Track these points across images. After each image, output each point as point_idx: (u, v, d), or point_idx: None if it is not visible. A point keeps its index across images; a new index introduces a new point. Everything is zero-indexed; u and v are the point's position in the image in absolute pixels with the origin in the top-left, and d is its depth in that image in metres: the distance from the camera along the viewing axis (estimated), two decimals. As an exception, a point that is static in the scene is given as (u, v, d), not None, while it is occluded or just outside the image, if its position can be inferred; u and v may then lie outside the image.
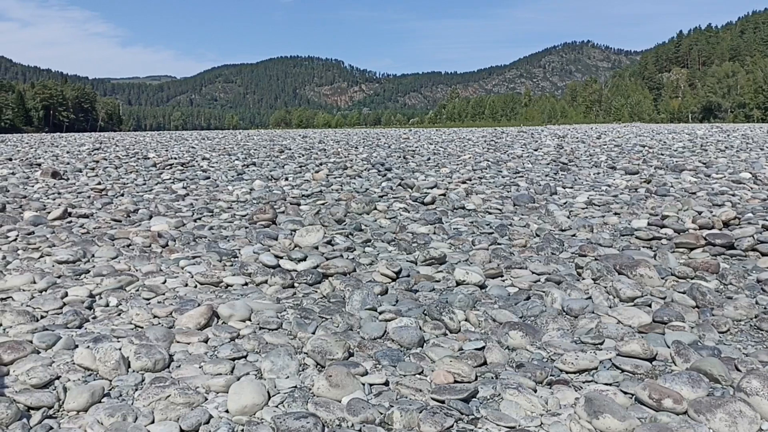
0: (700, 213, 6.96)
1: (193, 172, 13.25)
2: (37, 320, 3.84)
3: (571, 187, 10.14)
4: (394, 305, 4.14)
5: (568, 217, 7.40)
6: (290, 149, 21.23)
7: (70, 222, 7.34)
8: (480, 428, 2.56)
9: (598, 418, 2.48)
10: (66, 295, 4.32)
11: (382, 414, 2.62)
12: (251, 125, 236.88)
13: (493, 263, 5.31)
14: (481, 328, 3.80)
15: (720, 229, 6.18)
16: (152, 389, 2.77)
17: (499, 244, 6.16)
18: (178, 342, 3.49)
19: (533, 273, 4.98)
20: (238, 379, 2.93)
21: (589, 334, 3.58)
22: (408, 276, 4.92)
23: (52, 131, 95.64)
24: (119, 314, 4.03)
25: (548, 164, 14.06)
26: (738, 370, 3.01)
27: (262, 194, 9.45)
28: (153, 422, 2.57)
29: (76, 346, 3.33)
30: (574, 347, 3.37)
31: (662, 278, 4.70)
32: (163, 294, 4.47)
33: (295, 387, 2.88)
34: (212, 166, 14.56)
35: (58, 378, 2.93)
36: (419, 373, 3.07)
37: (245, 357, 3.27)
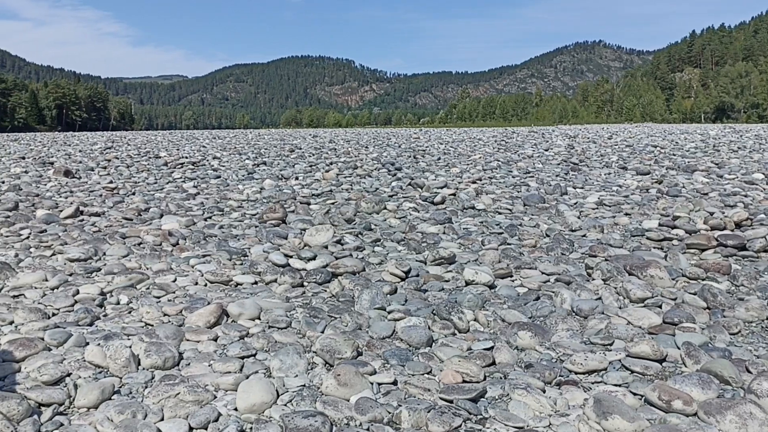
0: (711, 214, 6.91)
1: (203, 171, 13.30)
2: (49, 317, 3.87)
3: (582, 188, 10.10)
4: (403, 305, 4.14)
5: (579, 218, 7.37)
6: (301, 149, 21.27)
7: (82, 220, 7.40)
8: (488, 428, 2.55)
9: (607, 419, 2.46)
10: (77, 292, 4.35)
11: (390, 413, 2.62)
12: (262, 125, 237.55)
13: (502, 263, 5.30)
14: (490, 328, 3.79)
15: (732, 230, 6.13)
16: (162, 387, 2.79)
17: (508, 244, 6.15)
18: (187, 340, 3.50)
19: (543, 273, 4.96)
20: (247, 377, 2.94)
21: (599, 334, 3.57)
22: (417, 276, 4.92)
23: (64, 130, 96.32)
24: (130, 312, 4.05)
25: (559, 164, 14.01)
26: (749, 371, 2.99)
27: (272, 193, 9.48)
28: (162, 419, 2.58)
29: (87, 344, 3.35)
30: (584, 348, 3.36)
31: (673, 279, 4.67)
32: (174, 292, 4.49)
33: (304, 386, 2.88)
34: (223, 166, 14.61)
35: (68, 375, 2.95)
36: (428, 373, 3.07)
37: (254, 355, 3.28)
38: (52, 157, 18.11)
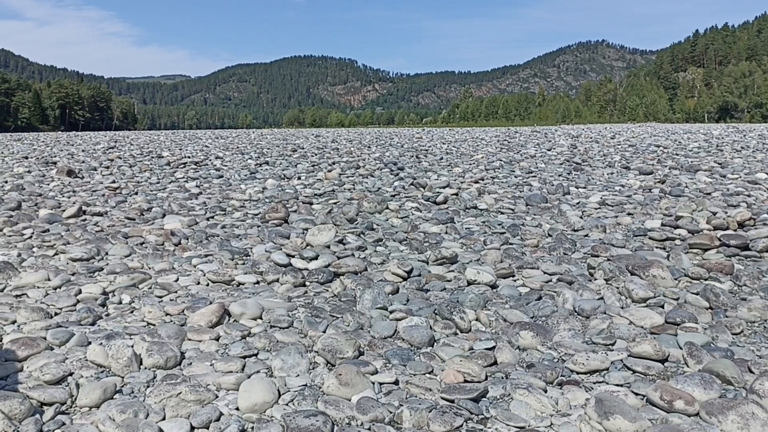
0: (714, 214, 6.90)
1: (206, 170, 13.31)
2: (51, 317, 3.87)
3: (585, 187, 10.09)
4: (405, 304, 4.14)
5: (581, 217, 7.36)
6: (303, 148, 21.28)
7: (85, 220, 7.41)
8: (489, 428, 2.55)
9: (608, 419, 2.46)
10: (80, 292, 4.36)
11: (391, 413, 2.62)
12: (265, 124, 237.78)
13: (504, 263, 5.30)
14: (491, 327, 3.79)
15: (735, 230, 6.12)
16: (164, 386, 2.79)
17: (510, 244, 6.14)
18: (189, 340, 3.51)
19: (545, 273, 4.96)
20: (249, 377, 2.94)
21: (601, 334, 3.57)
22: (419, 275, 4.92)
23: (67, 130, 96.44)
24: (132, 312, 4.06)
25: (561, 164, 14.00)
26: (751, 372, 2.98)
27: (274, 193, 9.48)
28: (164, 419, 2.58)
29: (89, 343, 3.36)
30: (585, 348, 3.35)
31: (675, 279, 4.66)
32: (176, 292, 4.49)
33: (305, 385, 2.89)
34: (225, 165, 14.62)
35: (71, 374, 2.95)
36: (429, 373, 3.07)
37: (256, 355, 3.28)
38: (55, 156, 18.15)
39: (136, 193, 9.84)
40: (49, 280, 4.68)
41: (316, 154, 18.09)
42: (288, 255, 5.34)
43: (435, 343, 3.51)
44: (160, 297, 4.36)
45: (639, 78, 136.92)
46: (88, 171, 13.29)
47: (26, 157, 17.63)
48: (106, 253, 5.63)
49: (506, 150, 19.25)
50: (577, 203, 8.48)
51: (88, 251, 5.52)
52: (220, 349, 3.37)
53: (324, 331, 3.61)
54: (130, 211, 7.84)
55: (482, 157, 16.05)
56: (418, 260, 5.45)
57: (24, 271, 4.92)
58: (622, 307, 4.08)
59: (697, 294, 4.21)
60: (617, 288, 4.42)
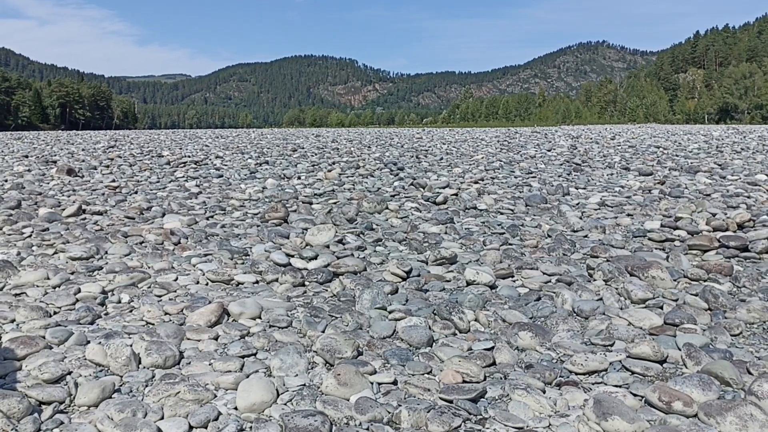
0: (714, 215, 6.90)
1: (206, 170, 13.31)
2: (50, 316, 3.87)
3: (584, 188, 10.10)
4: (404, 305, 4.14)
5: (581, 218, 7.37)
6: (303, 148, 21.27)
7: (84, 219, 7.42)
8: (488, 428, 2.55)
9: (606, 420, 2.46)
10: (79, 291, 4.36)
11: (390, 413, 2.62)
12: (265, 124, 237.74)
13: (503, 263, 5.30)
14: (490, 328, 3.79)
15: (734, 231, 6.13)
16: (162, 386, 2.79)
17: (510, 244, 6.15)
18: (188, 339, 3.51)
19: (544, 273, 4.96)
20: (248, 376, 2.94)
21: (600, 335, 3.57)
22: (418, 275, 4.92)
23: (68, 129, 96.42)
24: (131, 311, 4.06)
25: (561, 165, 14.00)
26: (750, 373, 2.98)
27: (274, 193, 9.48)
28: (162, 418, 2.59)
29: (88, 342, 3.36)
30: (584, 348, 3.35)
31: (674, 280, 4.67)
32: (175, 291, 4.50)
33: (304, 385, 2.89)
34: (225, 165, 14.62)
35: (69, 373, 2.95)
36: (428, 373, 3.07)
37: (255, 354, 3.28)
38: (55, 155, 18.14)
39: (136, 193, 9.84)
40: (48, 278, 4.68)
41: (316, 154, 18.09)
42: (287, 255, 5.34)
43: (434, 344, 3.51)
44: (160, 296, 4.37)
45: (639, 79, 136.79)
46: (88, 170, 13.29)
47: (26, 156, 17.63)
48: (106, 252, 5.63)
49: (506, 150, 19.25)
50: (577, 204, 8.48)
51: (87, 250, 5.52)
52: (218, 349, 3.37)
53: (323, 331, 3.61)
54: (130, 210, 7.84)
55: (482, 158, 16.05)
56: (418, 260, 5.45)
57: (23, 270, 4.92)
58: (621, 308, 4.08)
59: (696, 295, 4.22)
60: (616, 289, 4.43)
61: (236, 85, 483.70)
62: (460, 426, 2.53)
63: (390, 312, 3.97)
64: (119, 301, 4.27)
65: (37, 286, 4.50)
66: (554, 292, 4.38)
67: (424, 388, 2.85)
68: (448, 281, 4.83)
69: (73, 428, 2.50)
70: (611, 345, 3.43)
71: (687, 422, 2.51)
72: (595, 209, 8.01)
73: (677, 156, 16.25)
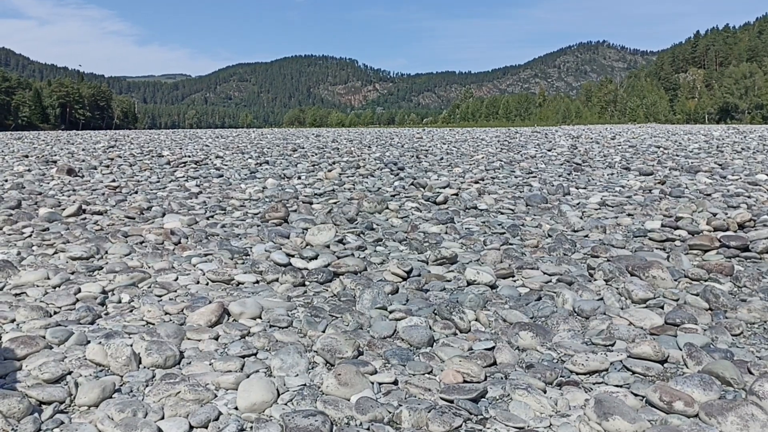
0: (714, 215, 6.90)
1: (206, 170, 13.31)
2: (50, 316, 3.87)
3: (585, 188, 10.09)
4: (405, 304, 4.14)
5: (581, 218, 7.36)
6: (303, 148, 21.27)
7: (84, 219, 7.41)
8: (489, 428, 2.55)
9: (607, 420, 2.46)
10: (79, 291, 4.36)
11: (390, 413, 2.62)
12: (265, 124, 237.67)
13: (504, 263, 5.29)
14: (491, 328, 3.79)
15: (735, 231, 6.12)
16: (163, 385, 2.79)
17: (510, 244, 6.14)
18: (188, 339, 3.50)
19: (545, 273, 4.96)
20: (248, 376, 2.94)
21: (600, 335, 3.56)
22: (419, 275, 4.92)
23: (68, 129, 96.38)
24: (131, 311, 4.06)
25: (562, 165, 14.00)
26: (751, 373, 2.98)
27: (274, 192, 9.48)
28: (163, 418, 2.58)
29: (88, 342, 3.35)
30: (585, 348, 3.35)
31: (675, 280, 4.66)
32: (175, 291, 4.49)
33: (304, 385, 2.88)
34: (225, 165, 14.62)
35: (69, 373, 2.95)
36: (428, 373, 3.07)
37: (255, 354, 3.28)
38: (55, 155, 18.14)
39: (136, 192, 9.84)
40: (48, 278, 4.68)
41: (316, 154, 18.08)
42: (288, 254, 5.34)
43: (434, 343, 3.51)
44: (160, 296, 4.36)
45: (639, 79, 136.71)
46: (88, 170, 13.28)
47: (26, 156, 17.63)
48: (106, 252, 5.62)
49: (506, 150, 19.24)
50: (577, 204, 8.48)
51: (87, 250, 5.52)
52: (219, 349, 3.37)
53: (323, 331, 3.60)
54: (130, 210, 7.84)
55: (482, 158, 16.05)
56: (418, 260, 5.45)
57: (23, 270, 4.92)
58: (622, 308, 4.08)
59: (696, 295, 4.21)
60: (617, 289, 4.42)
61: (236, 85, 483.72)
62: (460, 426, 2.52)
63: (390, 312, 3.96)
64: (119, 301, 4.26)
65: (38, 286, 4.49)
66: (555, 292, 4.38)
67: (424, 388, 2.84)
68: (449, 281, 4.83)
69: (74, 428, 2.49)
70: (612, 345, 3.42)
71: (688, 422, 2.50)
72: (596, 209, 8.00)
73: (678, 156, 16.25)
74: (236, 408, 2.65)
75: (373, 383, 2.90)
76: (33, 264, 5.21)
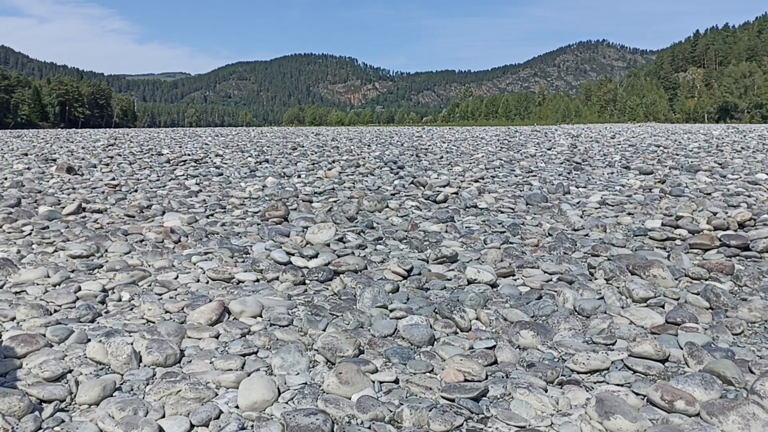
0: (714, 214, 6.90)
1: (206, 168, 13.30)
2: (51, 314, 3.86)
3: (585, 187, 10.09)
4: (405, 303, 4.14)
5: (581, 217, 7.36)
6: (303, 146, 21.27)
7: (84, 217, 7.40)
8: (490, 427, 2.55)
9: (609, 419, 2.46)
10: (79, 289, 4.35)
11: (391, 412, 2.62)
12: (265, 122, 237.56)
13: (504, 262, 5.29)
14: (492, 327, 3.79)
15: (735, 231, 6.12)
16: (163, 384, 2.79)
17: (511, 243, 6.14)
18: (189, 337, 3.50)
19: (545, 272, 4.95)
20: (249, 375, 2.93)
21: (601, 334, 3.56)
22: (419, 274, 4.91)
23: (67, 127, 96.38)
24: (131, 309, 4.05)
25: (562, 163, 14.00)
26: (752, 372, 2.98)
27: (274, 191, 9.47)
28: (164, 417, 2.58)
29: (89, 340, 3.35)
30: (586, 347, 3.35)
31: (676, 279, 4.66)
32: (175, 289, 4.49)
33: (305, 383, 2.88)
34: (225, 163, 14.61)
35: (70, 371, 2.94)
36: (429, 372, 3.06)
37: (256, 353, 3.28)
38: (55, 153, 18.13)
39: (136, 191, 9.83)
40: (48, 277, 4.67)
41: (316, 153, 18.07)
42: (288, 253, 5.34)
43: (435, 342, 3.51)
44: (160, 294, 4.36)
45: (639, 78, 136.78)
46: (88, 168, 13.28)
47: (26, 154, 17.61)
48: (106, 251, 5.62)
49: (506, 149, 19.24)
50: (578, 203, 8.48)
51: (87, 248, 5.51)
52: (219, 347, 3.36)
53: (324, 330, 3.60)
54: (130, 208, 7.83)
55: (482, 156, 16.05)
56: (418, 259, 5.44)
57: (23, 268, 4.92)
58: (623, 307, 4.08)
59: (697, 294, 4.21)
60: (618, 288, 4.42)
61: (236, 84, 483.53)
62: (461, 425, 2.52)
63: (391, 310, 3.96)
64: (120, 300, 4.26)
65: (38, 284, 4.49)
66: (555, 291, 4.38)
67: (425, 386, 2.84)
68: (449, 280, 4.82)
69: (74, 427, 2.49)
70: (613, 344, 3.42)
71: (689, 421, 2.50)
72: (596, 208, 8.00)
73: (677, 155, 16.25)
74: (237, 407, 2.65)
75: (373, 382, 2.89)
76: (33, 262, 5.20)
